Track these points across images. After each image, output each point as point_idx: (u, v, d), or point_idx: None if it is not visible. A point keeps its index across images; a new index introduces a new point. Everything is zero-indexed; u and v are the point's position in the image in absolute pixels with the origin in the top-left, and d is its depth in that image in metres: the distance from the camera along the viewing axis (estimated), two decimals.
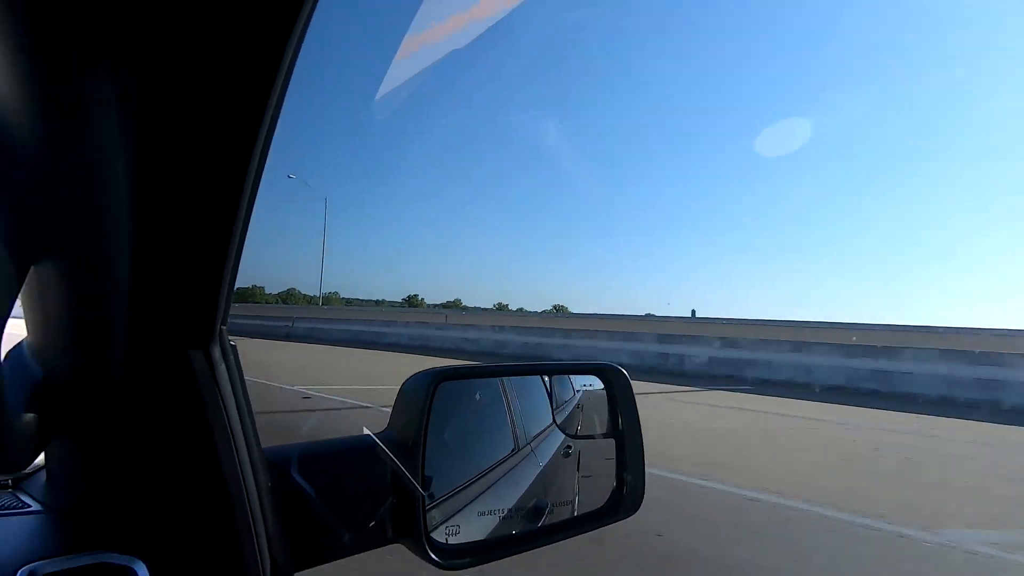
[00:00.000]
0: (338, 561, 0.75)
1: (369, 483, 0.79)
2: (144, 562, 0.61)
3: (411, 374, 0.78)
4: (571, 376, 0.97)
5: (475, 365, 0.93)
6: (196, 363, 0.52)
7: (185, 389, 0.53)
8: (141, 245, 0.43)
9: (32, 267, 0.41)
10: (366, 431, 0.82)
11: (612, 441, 0.85)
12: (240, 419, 0.57)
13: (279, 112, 0.41)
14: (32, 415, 0.47)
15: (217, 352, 0.54)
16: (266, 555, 0.61)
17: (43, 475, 0.81)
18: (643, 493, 0.80)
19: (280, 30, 0.38)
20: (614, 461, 0.87)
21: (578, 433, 0.92)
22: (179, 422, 0.55)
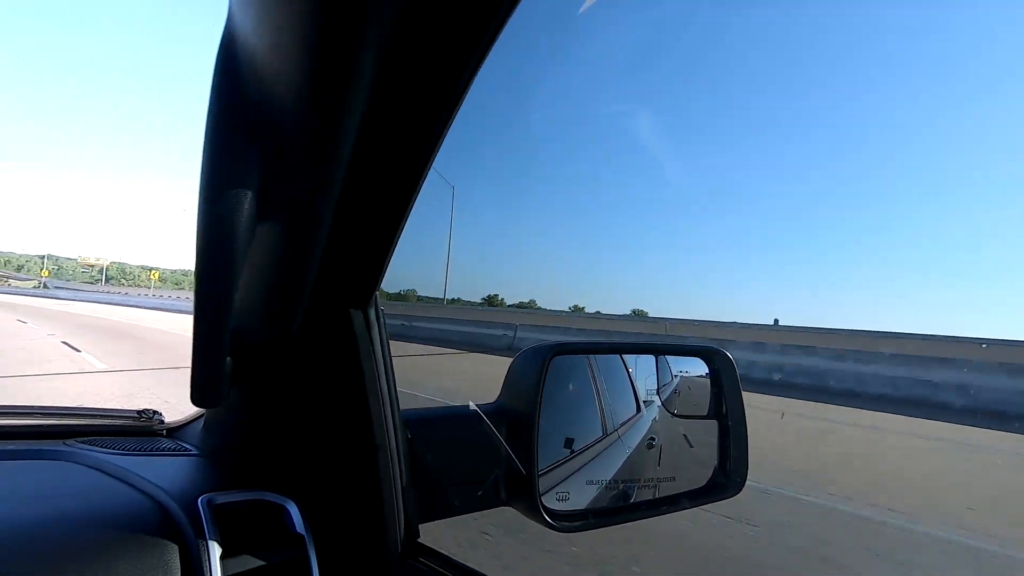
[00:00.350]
0: (451, 519, 0.81)
1: (481, 449, 0.84)
2: (295, 502, 0.69)
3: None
4: (669, 359, 0.99)
5: (586, 342, 0.95)
6: (356, 322, 0.59)
7: (344, 345, 0.60)
8: (338, 216, 0.49)
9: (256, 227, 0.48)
10: (472, 405, 0.88)
11: (714, 423, 0.86)
12: (386, 378, 0.64)
13: (455, 114, 0.46)
14: (229, 359, 0.55)
15: (373, 314, 0.60)
16: (400, 506, 0.68)
17: (196, 425, 0.92)
18: (746, 473, 0.81)
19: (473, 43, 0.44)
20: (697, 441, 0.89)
21: (677, 412, 0.93)
22: (336, 376, 0.62)
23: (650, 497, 0.80)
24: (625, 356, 1.04)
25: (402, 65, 0.41)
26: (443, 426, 0.82)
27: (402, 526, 0.68)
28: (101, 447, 0.82)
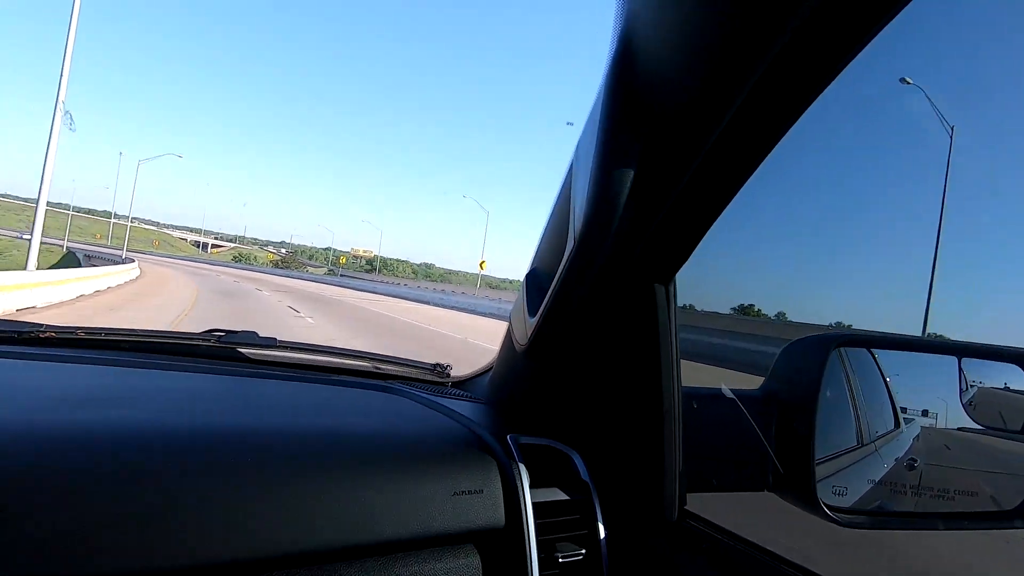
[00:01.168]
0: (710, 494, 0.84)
1: (739, 432, 0.85)
2: (579, 453, 0.78)
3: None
4: (965, 365, 0.88)
5: (873, 335, 0.90)
6: (659, 296, 0.65)
7: (646, 317, 0.66)
8: (675, 200, 0.56)
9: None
10: (726, 391, 0.89)
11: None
12: (675, 351, 0.69)
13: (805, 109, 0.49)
14: None
15: (672, 290, 0.66)
16: (675, 472, 0.73)
17: (478, 380, 1.09)
18: None
19: None
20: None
21: (979, 420, 0.83)
22: (632, 344, 0.70)
23: (951, 509, 0.73)
24: (880, 362, 0.96)
25: (788, 64, 0.44)
26: (703, 405, 0.85)
27: (677, 489, 0.73)
28: (413, 387, 1.02)
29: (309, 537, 0.58)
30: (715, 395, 0.89)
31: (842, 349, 0.81)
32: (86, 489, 0.51)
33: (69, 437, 0.55)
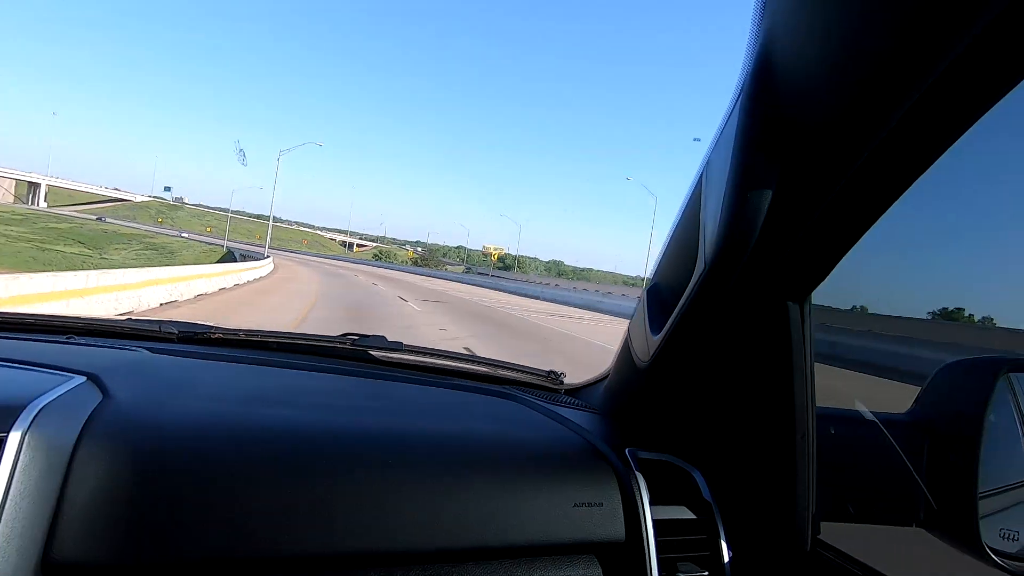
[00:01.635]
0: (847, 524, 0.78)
1: (878, 458, 0.78)
2: (700, 472, 0.76)
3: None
4: None
5: None
6: (792, 315, 0.62)
7: (778, 335, 0.63)
8: (817, 218, 0.53)
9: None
10: (859, 405, 0.81)
11: None
12: (810, 371, 0.65)
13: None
14: None
15: (807, 308, 0.62)
16: (808, 498, 0.68)
17: (591, 389, 1.09)
18: None
19: None
20: None
21: None
22: (764, 363, 0.66)
23: None
24: None
25: (960, 74, 0.41)
26: (839, 427, 0.79)
27: (810, 517, 0.68)
28: (528, 393, 1.05)
29: (443, 535, 0.62)
30: (851, 417, 0.82)
31: (1012, 375, 0.72)
32: (270, 479, 0.59)
33: (260, 428, 0.64)
